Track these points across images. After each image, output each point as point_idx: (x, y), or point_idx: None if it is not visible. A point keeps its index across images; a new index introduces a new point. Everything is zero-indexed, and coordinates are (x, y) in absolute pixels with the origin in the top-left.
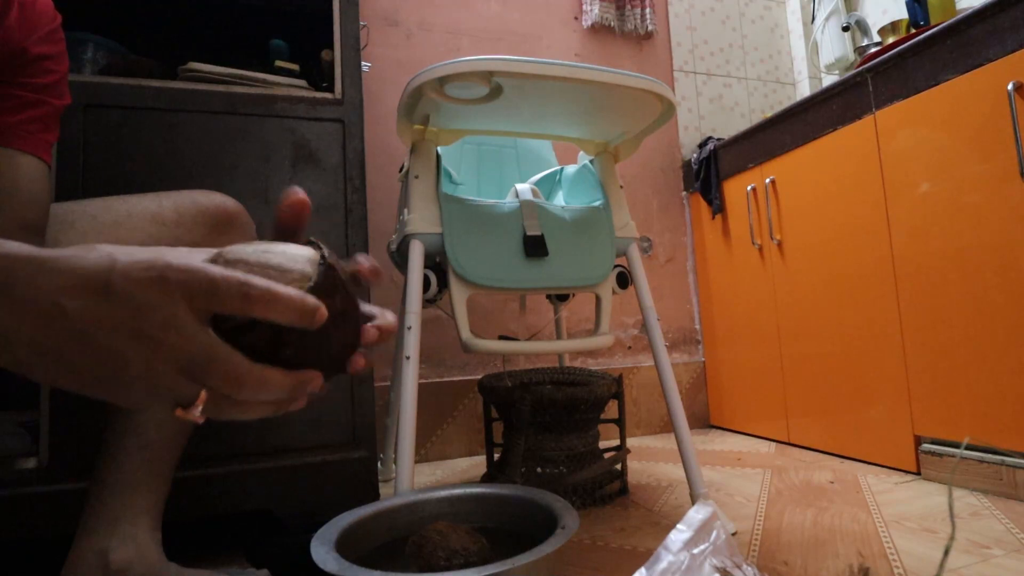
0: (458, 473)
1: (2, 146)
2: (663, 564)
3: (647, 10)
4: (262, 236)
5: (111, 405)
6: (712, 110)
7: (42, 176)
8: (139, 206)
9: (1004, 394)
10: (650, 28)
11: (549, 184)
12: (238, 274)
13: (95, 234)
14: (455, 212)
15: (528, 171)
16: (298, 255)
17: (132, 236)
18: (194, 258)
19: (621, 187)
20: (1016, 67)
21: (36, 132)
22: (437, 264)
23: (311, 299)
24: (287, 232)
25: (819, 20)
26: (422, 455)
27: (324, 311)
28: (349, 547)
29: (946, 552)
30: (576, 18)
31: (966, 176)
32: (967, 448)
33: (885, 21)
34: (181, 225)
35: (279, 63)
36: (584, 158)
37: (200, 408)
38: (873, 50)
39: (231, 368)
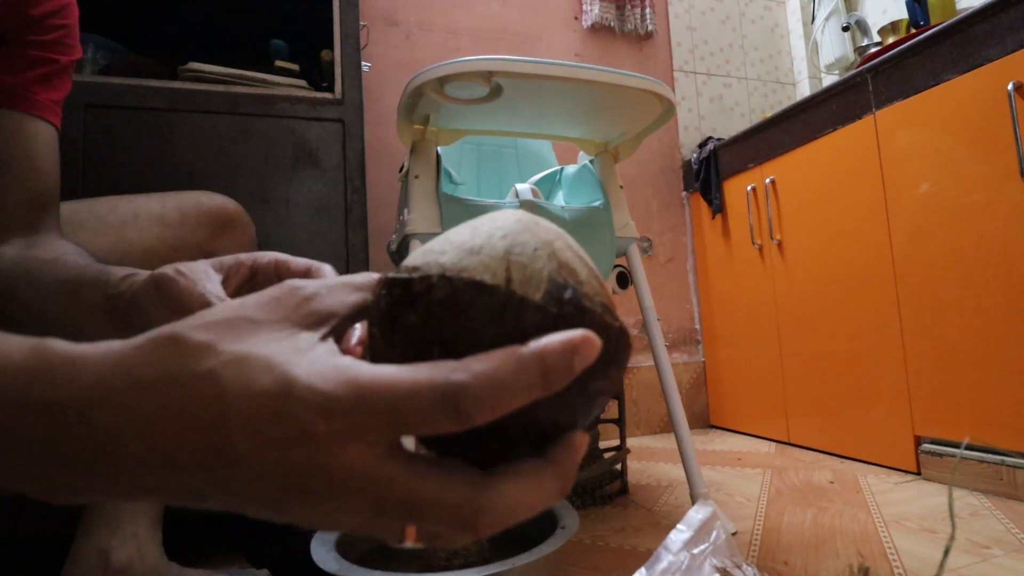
0: None
1: (8, 109)
2: (663, 564)
3: (647, 10)
4: (261, 239)
5: None
6: (712, 110)
7: (52, 142)
8: (144, 207)
9: (1004, 394)
10: (650, 28)
11: (549, 184)
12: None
13: (103, 234)
14: (455, 212)
15: (528, 171)
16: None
17: (139, 237)
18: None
19: (621, 187)
20: (1016, 67)
21: (40, 91)
22: None
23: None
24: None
25: (819, 20)
26: None
27: (595, 341)
28: (349, 547)
29: (946, 552)
30: (576, 18)
31: (966, 176)
32: (967, 448)
33: (885, 21)
34: (184, 226)
35: (279, 63)
36: (584, 158)
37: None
38: (873, 50)
39: (445, 508)
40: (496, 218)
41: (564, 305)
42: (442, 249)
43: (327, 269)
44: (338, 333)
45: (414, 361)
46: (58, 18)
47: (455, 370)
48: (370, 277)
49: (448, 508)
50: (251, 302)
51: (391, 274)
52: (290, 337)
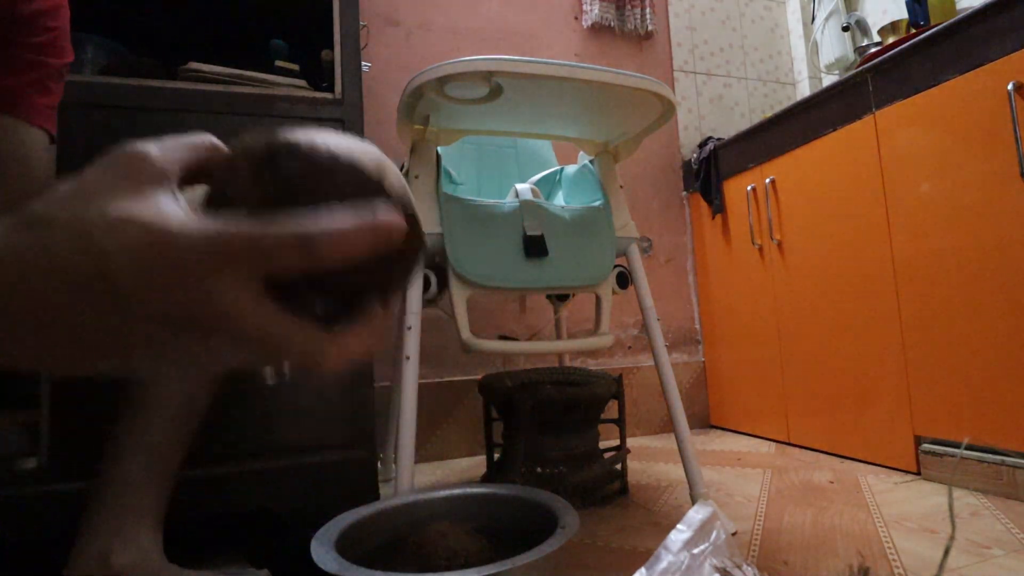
0: (458, 473)
1: (4, 114)
2: (663, 564)
3: (647, 10)
4: None
5: (114, 404)
6: (712, 110)
7: (44, 148)
8: None
9: (1004, 394)
10: (650, 28)
11: (549, 184)
12: (290, 226)
13: None
14: (455, 212)
15: (528, 171)
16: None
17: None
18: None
19: (621, 187)
20: (1016, 67)
21: (34, 96)
22: (437, 264)
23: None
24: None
25: (819, 20)
26: (422, 455)
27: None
28: (349, 547)
29: (946, 552)
30: (576, 18)
31: (966, 176)
32: (967, 448)
33: (885, 21)
34: None
35: (279, 63)
36: (584, 158)
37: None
38: (873, 50)
39: (304, 349)
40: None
41: (406, 208)
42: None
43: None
44: (179, 186)
45: (274, 204)
46: (50, 19)
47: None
48: (204, 138)
49: (306, 349)
50: (95, 170)
51: (283, 139)
52: (144, 195)
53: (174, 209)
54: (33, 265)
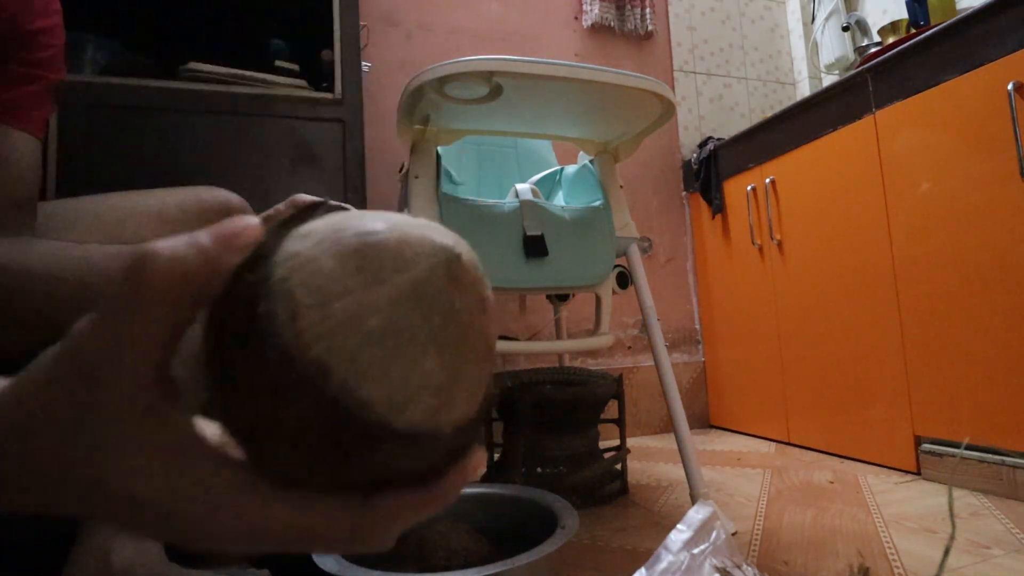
0: None
1: (9, 126)
2: (663, 564)
3: (647, 10)
4: None
5: None
6: (712, 110)
7: (34, 152)
8: (143, 204)
9: (1004, 394)
10: (650, 28)
11: (549, 184)
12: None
13: (98, 232)
14: (455, 212)
15: (528, 171)
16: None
17: (136, 234)
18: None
19: (621, 187)
20: (1016, 67)
21: (29, 108)
22: None
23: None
24: None
25: (819, 20)
26: None
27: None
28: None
29: (946, 552)
30: (576, 18)
31: (966, 176)
32: (967, 448)
33: (885, 21)
34: (185, 223)
35: (279, 63)
36: (584, 158)
37: None
38: (873, 50)
39: (331, 535)
40: None
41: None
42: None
43: None
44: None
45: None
46: (50, 37)
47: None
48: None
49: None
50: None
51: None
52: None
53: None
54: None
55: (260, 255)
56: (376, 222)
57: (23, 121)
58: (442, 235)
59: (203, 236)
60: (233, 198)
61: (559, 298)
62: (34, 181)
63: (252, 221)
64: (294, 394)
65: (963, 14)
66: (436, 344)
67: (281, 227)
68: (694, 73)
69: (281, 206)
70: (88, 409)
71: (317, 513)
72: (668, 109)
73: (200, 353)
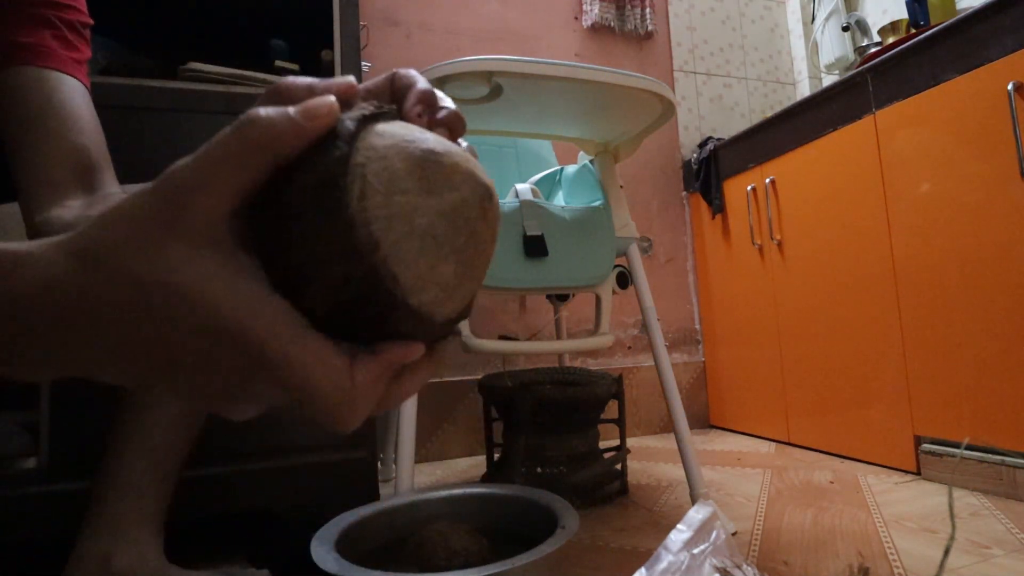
0: (458, 473)
1: (27, 66)
2: (663, 564)
3: (647, 10)
4: None
5: (115, 405)
6: (712, 110)
7: (84, 96)
8: None
9: (1004, 394)
10: (650, 28)
11: (549, 184)
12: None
13: None
14: None
15: (528, 171)
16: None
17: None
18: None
19: (621, 187)
20: (1016, 67)
21: (60, 49)
22: None
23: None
24: None
25: (819, 20)
26: (422, 455)
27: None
28: (349, 547)
29: (946, 552)
30: (576, 18)
31: (966, 176)
32: (967, 448)
33: (885, 21)
34: None
35: (279, 63)
36: (584, 158)
37: None
38: (873, 50)
39: (324, 382)
40: None
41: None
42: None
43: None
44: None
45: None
46: None
47: None
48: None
49: (328, 371)
50: (147, 199)
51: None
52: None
53: (233, 287)
54: (86, 295)
55: (341, 138)
56: (439, 144)
57: (57, 62)
58: (483, 174)
59: (293, 109)
60: None
61: (559, 298)
62: (93, 126)
63: (333, 103)
64: (346, 254)
65: (963, 14)
66: (455, 254)
67: (363, 120)
68: (694, 73)
69: (363, 102)
70: (170, 229)
71: (323, 349)
72: (668, 109)
73: (262, 204)
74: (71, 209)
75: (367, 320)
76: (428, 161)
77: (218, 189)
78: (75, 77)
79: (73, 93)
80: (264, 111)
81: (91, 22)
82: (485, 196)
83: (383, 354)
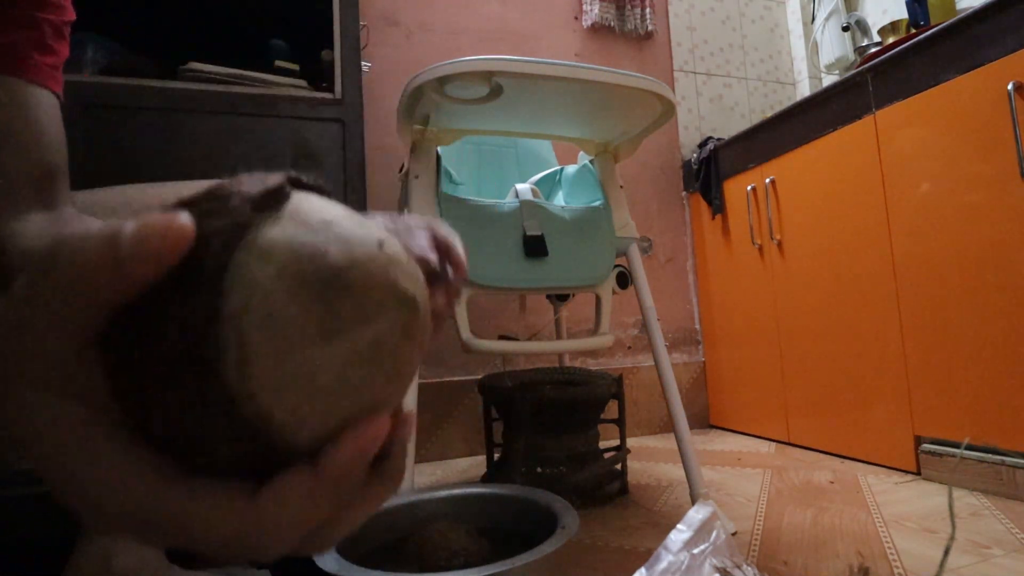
0: (458, 473)
1: (13, 77)
2: (663, 564)
3: (647, 10)
4: None
5: None
6: (712, 110)
7: (53, 110)
8: (157, 196)
9: (1004, 394)
10: (650, 28)
11: (549, 184)
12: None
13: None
14: (455, 212)
15: (528, 171)
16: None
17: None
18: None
19: (621, 187)
20: (1016, 67)
21: (35, 54)
22: None
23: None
24: None
25: (819, 20)
26: (422, 455)
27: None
28: (349, 547)
29: (946, 552)
30: (576, 18)
31: (966, 176)
32: (967, 448)
33: (885, 21)
34: None
35: (279, 63)
36: (584, 158)
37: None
38: (873, 50)
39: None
40: None
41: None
42: None
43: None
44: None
45: None
46: None
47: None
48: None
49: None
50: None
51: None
52: None
53: None
54: None
55: (206, 269)
56: (344, 250)
57: (31, 71)
58: (405, 276)
59: (127, 233)
60: None
61: (559, 298)
62: (59, 144)
63: (184, 225)
64: (229, 427)
65: (963, 14)
66: (371, 392)
67: (235, 232)
68: (694, 73)
69: (236, 196)
70: (4, 363)
71: (210, 494)
72: (668, 109)
73: (121, 341)
74: (33, 224)
75: (259, 468)
76: (331, 289)
77: (46, 333)
78: (48, 87)
79: (46, 108)
80: (79, 238)
81: (73, 18)
82: (411, 313)
83: (299, 476)
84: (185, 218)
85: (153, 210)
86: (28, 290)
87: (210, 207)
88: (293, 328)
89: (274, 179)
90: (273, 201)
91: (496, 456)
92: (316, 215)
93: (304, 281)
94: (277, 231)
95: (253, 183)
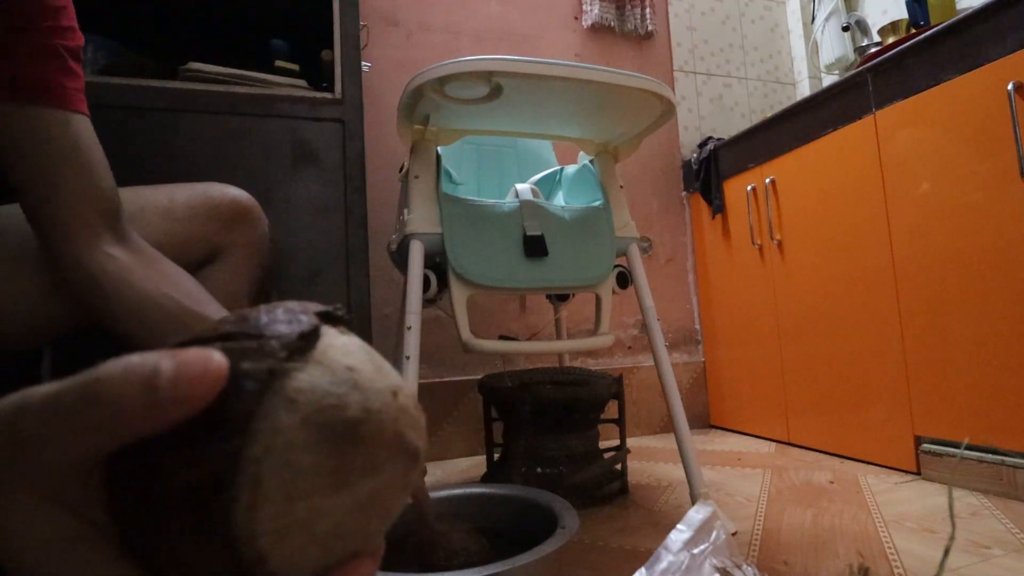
0: (458, 473)
1: (47, 106)
2: (663, 564)
3: (647, 10)
4: None
5: None
6: (712, 110)
7: (93, 133)
8: (151, 200)
9: (1004, 394)
10: (650, 28)
11: (549, 184)
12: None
13: None
14: (455, 212)
15: (528, 171)
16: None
17: (144, 232)
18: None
19: (621, 187)
20: (1016, 67)
21: (65, 81)
22: (437, 264)
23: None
24: None
25: (819, 20)
26: None
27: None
28: None
29: (946, 552)
30: (576, 18)
31: (966, 176)
32: (967, 448)
33: (885, 21)
34: (193, 220)
35: (279, 63)
36: (584, 158)
37: None
38: (873, 50)
39: None
40: None
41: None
42: None
43: None
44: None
45: None
46: (62, 0)
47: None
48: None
49: None
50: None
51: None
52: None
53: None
54: None
55: (232, 416)
56: (362, 402)
57: (65, 100)
58: (413, 425)
59: (165, 374)
60: (242, 196)
61: (559, 298)
62: (107, 165)
63: (218, 366)
64: (218, 564)
65: (963, 14)
66: (361, 537)
67: (269, 378)
68: (694, 73)
69: (273, 340)
70: (11, 467)
71: None
72: (668, 109)
73: (128, 468)
74: (113, 260)
75: None
76: (347, 440)
77: (59, 450)
78: (81, 111)
79: (87, 132)
80: (120, 376)
81: (83, 42)
82: (411, 465)
83: None
84: (220, 360)
85: (147, 213)
86: (53, 413)
87: (244, 347)
88: (306, 478)
89: (308, 321)
90: (307, 344)
91: (496, 456)
92: (341, 361)
93: (323, 432)
94: (305, 378)
95: (289, 323)
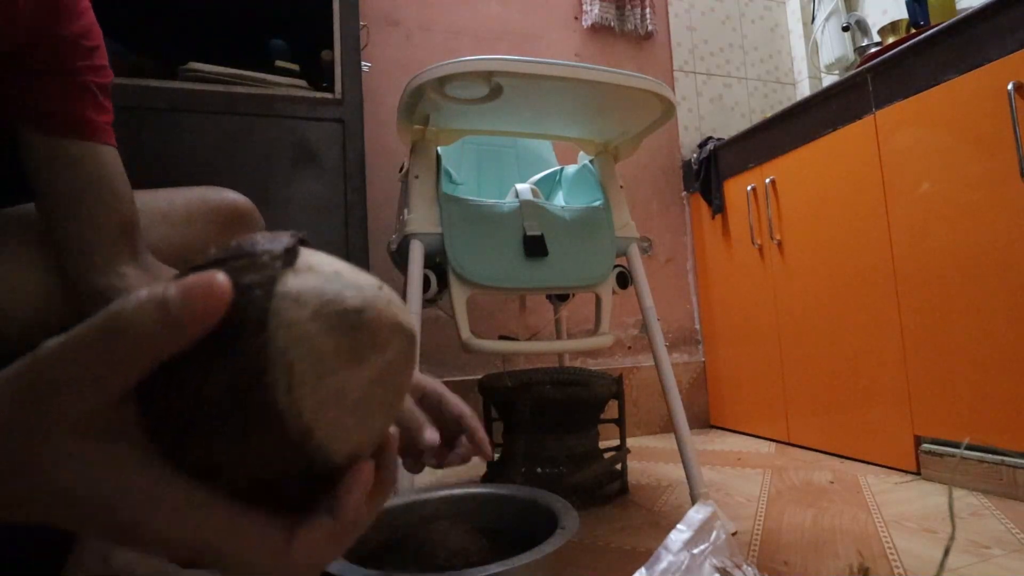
0: (458, 473)
1: (80, 140)
2: (663, 564)
3: (647, 10)
4: None
5: None
6: (712, 110)
7: (120, 164)
8: (150, 204)
9: (1004, 394)
10: (650, 28)
11: (549, 184)
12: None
13: None
14: (455, 212)
15: (528, 171)
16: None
17: (143, 236)
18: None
19: (621, 187)
20: (1016, 67)
21: (97, 117)
22: (437, 264)
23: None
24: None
25: (819, 20)
26: None
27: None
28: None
29: (946, 552)
30: (576, 18)
31: (966, 176)
32: (967, 448)
33: (885, 21)
34: (190, 224)
35: (279, 63)
36: (584, 158)
37: None
38: (873, 50)
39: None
40: None
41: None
42: None
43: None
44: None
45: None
46: (91, 40)
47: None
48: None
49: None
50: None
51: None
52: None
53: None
54: None
55: (250, 319)
56: (356, 295)
57: (99, 134)
58: (403, 311)
59: (173, 298)
60: (240, 200)
61: (559, 298)
62: (131, 195)
63: (223, 284)
64: (278, 446)
65: (963, 14)
66: (385, 409)
67: (270, 283)
68: (694, 73)
69: (264, 254)
70: (43, 423)
71: (250, 533)
72: (668, 109)
73: (164, 389)
74: (124, 278)
75: (297, 487)
76: (353, 327)
77: (91, 388)
78: (110, 144)
79: (114, 164)
80: (135, 307)
81: (113, 78)
82: (411, 342)
83: (323, 525)
84: (223, 277)
85: (145, 217)
86: (78, 353)
87: (240, 264)
88: (329, 357)
89: (288, 239)
90: (291, 257)
91: (496, 456)
92: (326, 267)
93: (332, 320)
94: (302, 282)
95: (271, 242)
